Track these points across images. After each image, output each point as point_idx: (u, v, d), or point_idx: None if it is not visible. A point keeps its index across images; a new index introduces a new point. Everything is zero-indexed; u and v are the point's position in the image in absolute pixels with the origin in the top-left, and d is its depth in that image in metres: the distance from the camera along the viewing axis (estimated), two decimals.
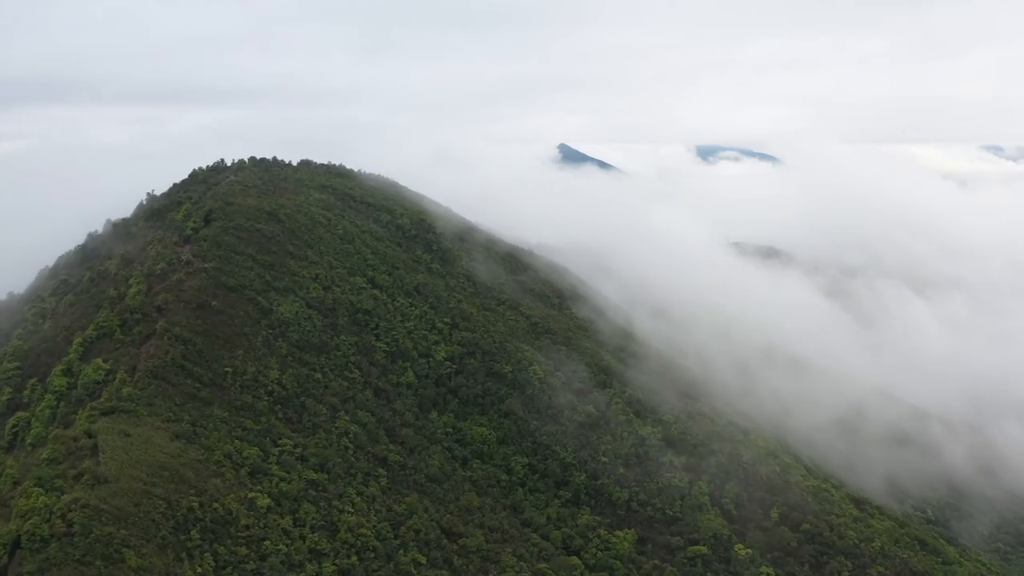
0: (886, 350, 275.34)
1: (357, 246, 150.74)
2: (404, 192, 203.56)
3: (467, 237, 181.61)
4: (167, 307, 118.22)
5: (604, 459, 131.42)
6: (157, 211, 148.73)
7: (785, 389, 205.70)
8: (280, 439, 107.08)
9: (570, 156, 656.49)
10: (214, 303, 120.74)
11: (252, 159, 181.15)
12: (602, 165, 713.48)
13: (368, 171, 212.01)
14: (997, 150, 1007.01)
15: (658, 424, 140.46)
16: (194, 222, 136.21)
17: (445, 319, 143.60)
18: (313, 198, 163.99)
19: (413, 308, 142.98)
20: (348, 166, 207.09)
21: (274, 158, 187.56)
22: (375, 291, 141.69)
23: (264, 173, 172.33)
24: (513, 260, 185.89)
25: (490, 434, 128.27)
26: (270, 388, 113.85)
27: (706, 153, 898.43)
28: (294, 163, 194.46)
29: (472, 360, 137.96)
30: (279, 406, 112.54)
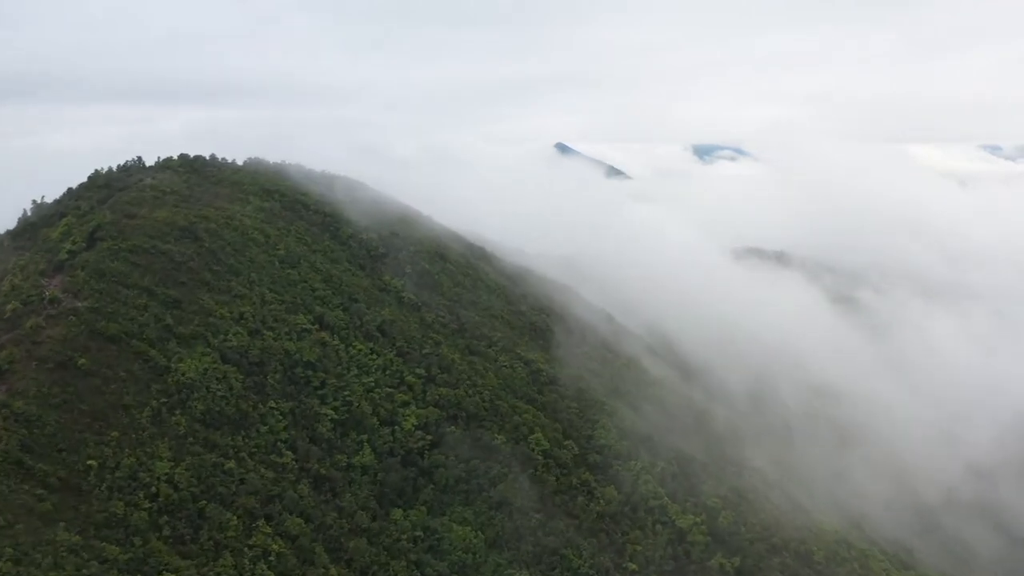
0: (913, 372, 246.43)
1: (303, 271, 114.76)
2: (377, 199, 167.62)
3: (452, 254, 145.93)
4: (11, 368, 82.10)
5: (632, 566, 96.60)
6: (32, 226, 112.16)
7: (824, 434, 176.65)
8: (161, 574, 71.43)
9: (566, 155, 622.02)
10: (82, 361, 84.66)
11: (183, 156, 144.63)
12: (598, 164, 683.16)
13: (353, 173, 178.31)
14: (995, 149, 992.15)
15: (701, 510, 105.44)
16: (73, 242, 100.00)
17: (418, 370, 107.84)
18: (252, 207, 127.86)
19: (375, 356, 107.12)
20: (336, 168, 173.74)
21: (212, 156, 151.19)
22: (323, 334, 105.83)
23: (193, 175, 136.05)
24: (508, 282, 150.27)
25: (476, 536, 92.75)
26: (155, 489, 77.96)
27: (703, 152, 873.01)
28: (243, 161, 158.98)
29: (454, 428, 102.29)
30: (166, 517, 76.60)
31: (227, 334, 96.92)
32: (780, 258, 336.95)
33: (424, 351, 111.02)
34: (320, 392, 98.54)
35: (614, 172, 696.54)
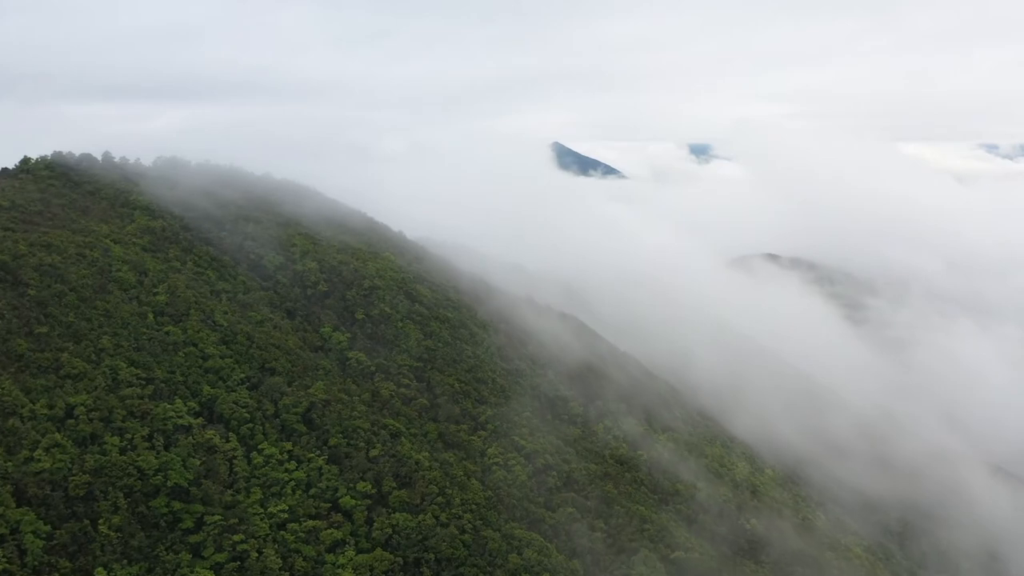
0: (942, 396, 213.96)
1: (192, 328, 76.19)
2: (332, 210, 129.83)
3: (424, 290, 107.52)
4: None
5: None
6: None
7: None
8: None
9: (564, 156, 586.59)
10: None
11: (58, 155, 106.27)
12: (596, 165, 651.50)
13: (326, 175, 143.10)
14: (992, 148, 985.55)
15: None
16: None
17: (362, 484, 69.54)
18: (134, 227, 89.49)
19: (294, 466, 68.75)
20: (310, 170, 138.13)
21: (105, 155, 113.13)
22: (211, 432, 67.29)
23: (60, 182, 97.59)
24: (504, 324, 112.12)
25: None
26: None
27: (699, 151, 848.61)
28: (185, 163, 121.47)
29: None
30: None
31: (35, 449, 58.43)
32: (783, 264, 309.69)
33: (372, 451, 72.70)
34: (193, 539, 60.08)
35: (611, 171, 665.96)
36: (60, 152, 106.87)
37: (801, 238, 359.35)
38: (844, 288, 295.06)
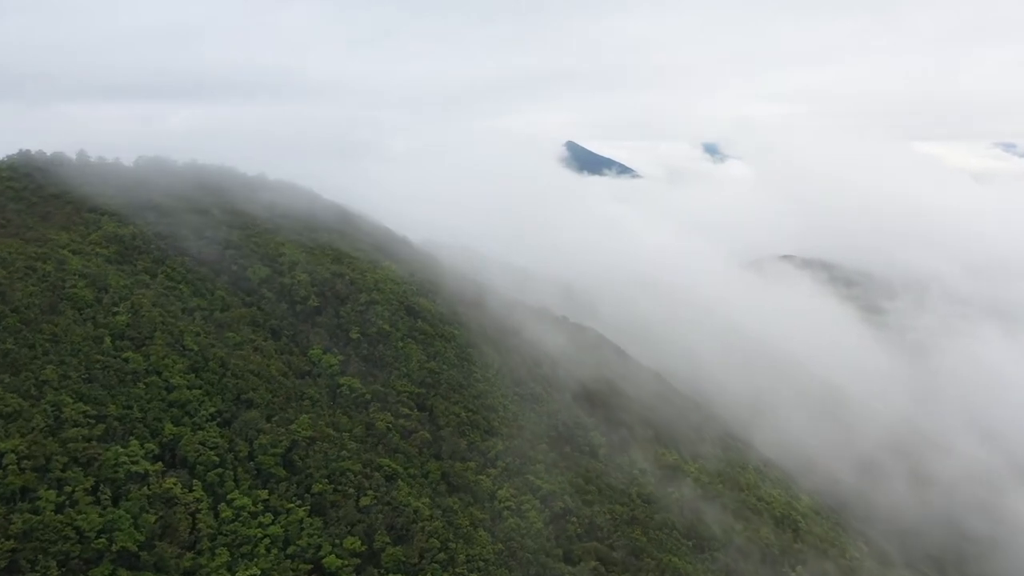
0: (970, 403, 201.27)
1: (155, 354, 65.85)
2: (330, 214, 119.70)
3: (422, 302, 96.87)
4: None
5: None
6: None
7: None
8: None
9: (578, 154, 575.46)
10: None
11: (25, 154, 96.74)
12: (610, 164, 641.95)
13: (324, 175, 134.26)
14: (1009, 147, 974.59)
15: None
16: None
17: (352, 538, 59.04)
18: (100, 235, 79.43)
19: (270, 519, 58.33)
20: (322, 169, 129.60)
21: (80, 154, 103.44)
22: (171, 480, 56.90)
23: (21, 184, 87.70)
24: (516, 340, 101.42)
25: None
26: None
27: (714, 150, 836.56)
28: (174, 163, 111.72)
29: None
30: None
31: None
32: (802, 265, 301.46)
33: (363, 499, 62.18)
34: None
35: (624, 170, 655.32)
36: (27, 151, 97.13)
37: (817, 239, 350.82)
38: (862, 291, 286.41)
